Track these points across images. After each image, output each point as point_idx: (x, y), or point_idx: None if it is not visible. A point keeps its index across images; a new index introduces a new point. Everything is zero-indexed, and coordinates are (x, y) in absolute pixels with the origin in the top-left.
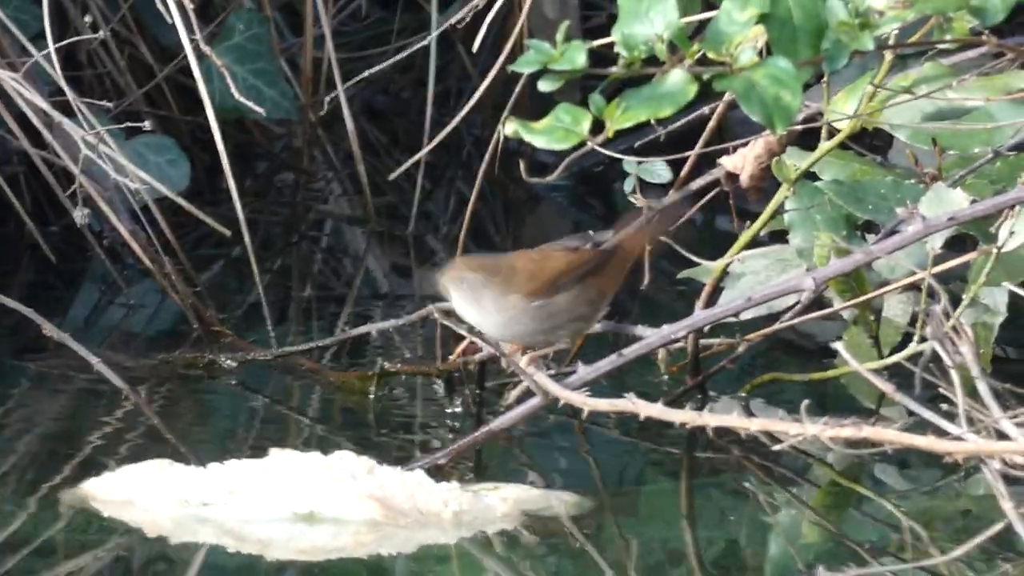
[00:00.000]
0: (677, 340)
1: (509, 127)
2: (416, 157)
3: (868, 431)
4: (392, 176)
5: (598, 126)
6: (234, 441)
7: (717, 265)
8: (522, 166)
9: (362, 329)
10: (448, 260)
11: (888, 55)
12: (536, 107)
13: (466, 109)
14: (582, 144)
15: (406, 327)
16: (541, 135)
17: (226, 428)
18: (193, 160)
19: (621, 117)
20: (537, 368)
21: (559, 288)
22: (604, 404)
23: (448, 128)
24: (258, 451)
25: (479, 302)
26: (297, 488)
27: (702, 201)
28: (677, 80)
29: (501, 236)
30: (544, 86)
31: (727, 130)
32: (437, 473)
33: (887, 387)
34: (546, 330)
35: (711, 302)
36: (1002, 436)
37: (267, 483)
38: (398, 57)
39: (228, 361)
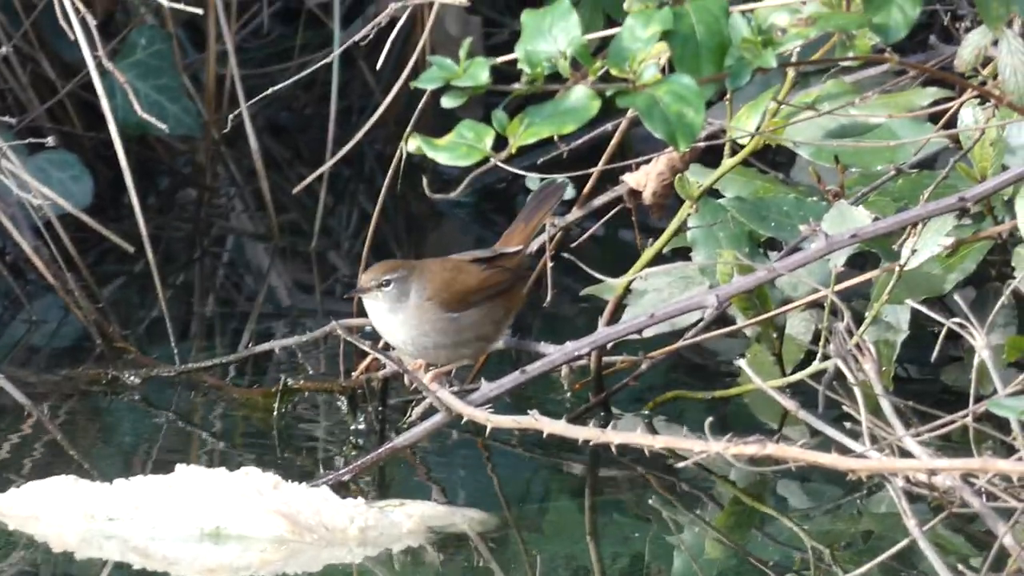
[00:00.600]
0: (580, 357)
1: (412, 143)
2: (318, 172)
3: (772, 448)
4: (295, 191)
5: (501, 142)
6: (139, 457)
7: (620, 282)
8: (425, 182)
9: (265, 346)
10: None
11: (791, 72)
12: (439, 124)
13: (368, 125)
14: (485, 160)
15: (309, 344)
16: (444, 151)
17: (130, 444)
18: (96, 176)
19: (524, 133)
20: (440, 385)
21: (470, 303)
22: (507, 421)
23: (350, 144)
24: (163, 467)
25: (401, 305)
26: (203, 504)
27: (605, 218)
28: (580, 96)
29: (403, 252)
30: (447, 102)
31: (630, 147)
32: (342, 489)
33: (790, 404)
34: (454, 344)
35: (614, 319)
36: (905, 454)
37: (173, 499)
38: (301, 75)
39: (131, 377)
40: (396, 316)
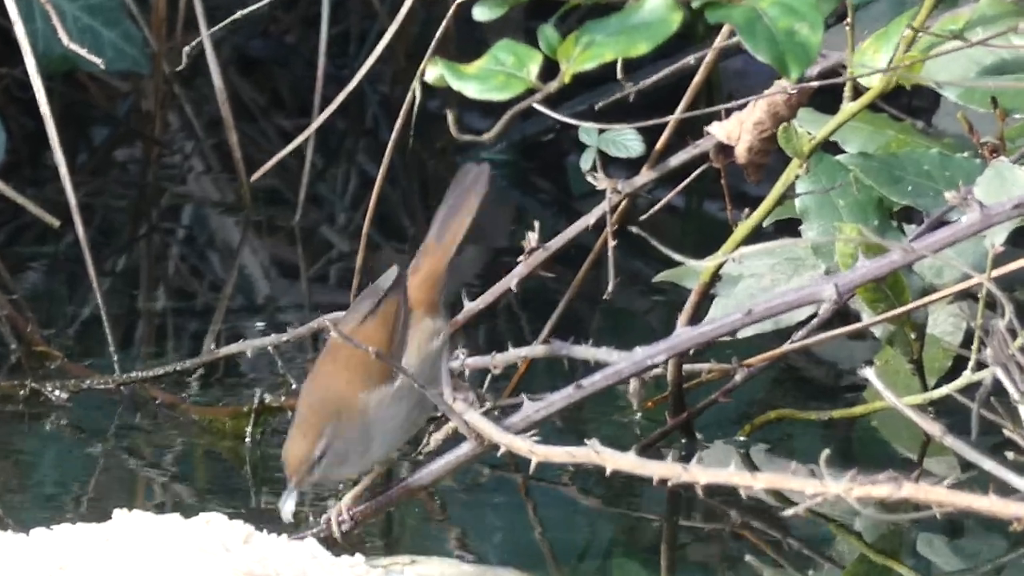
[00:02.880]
0: (654, 367)
1: (431, 71)
2: (311, 128)
3: (909, 489)
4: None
5: (550, 71)
6: (65, 500)
7: (706, 266)
8: (450, 121)
9: (234, 348)
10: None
11: None
12: (465, 53)
13: (371, 59)
14: (527, 95)
15: (292, 346)
16: (474, 81)
17: (54, 483)
18: (9, 127)
19: (581, 56)
20: (468, 404)
21: (398, 353)
22: (558, 453)
23: (349, 86)
24: (97, 514)
25: (354, 451)
26: (150, 564)
27: (684, 182)
28: (657, 6)
29: (417, 227)
30: (480, 14)
31: (718, 87)
32: (336, 544)
33: (934, 429)
34: (423, 400)
35: (698, 316)
36: None
37: (110, 556)
38: None
39: (56, 392)
40: (360, 455)
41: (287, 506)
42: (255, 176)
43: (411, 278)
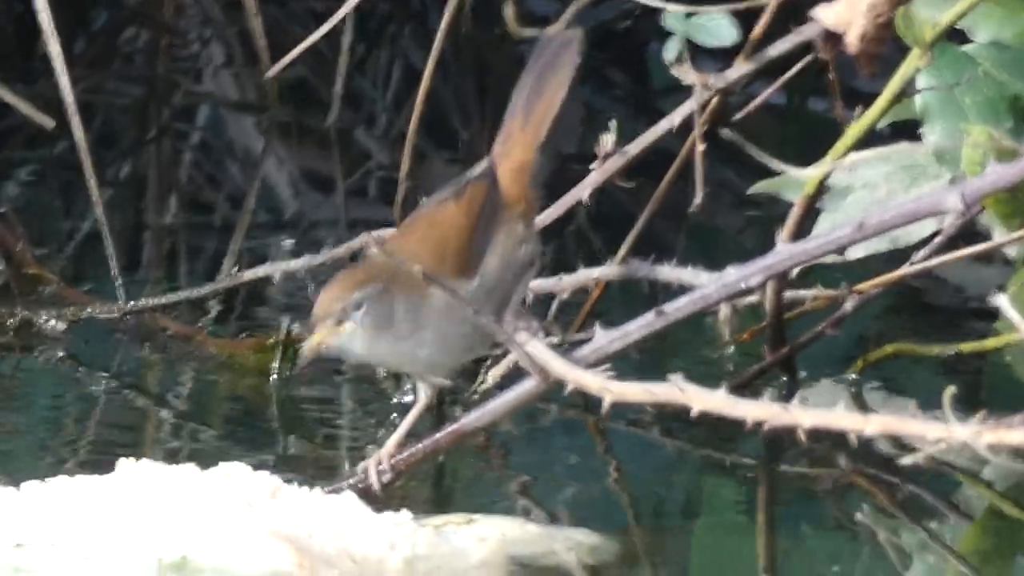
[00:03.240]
0: (749, 291)
1: None
2: (343, 11)
3: None
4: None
5: None
6: (62, 448)
7: (811, 174)
8: (508, 15)
9: (259, 271)
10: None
11: None
12: None
13: None
14: None
15: (326, 269)
16: None
17: (50, 427)
18: None
19: None
20: (531, 333)
21: (482, 249)
22: (636, 391)
23: None
24: (100, 464)
25: (394, 326)
26: (161, 522)
27: (786, 76)
28: None
29: (471, 132)
30: None
31: None
32: (378, 499)
33: None
34: (500, 298)
35: (801, 232)
36: None
37: (114, 514)
38: None
39: (52, 322)
40: (402, 342)
41: (305, 353)
42: (278, 67)
43: (498, 167)
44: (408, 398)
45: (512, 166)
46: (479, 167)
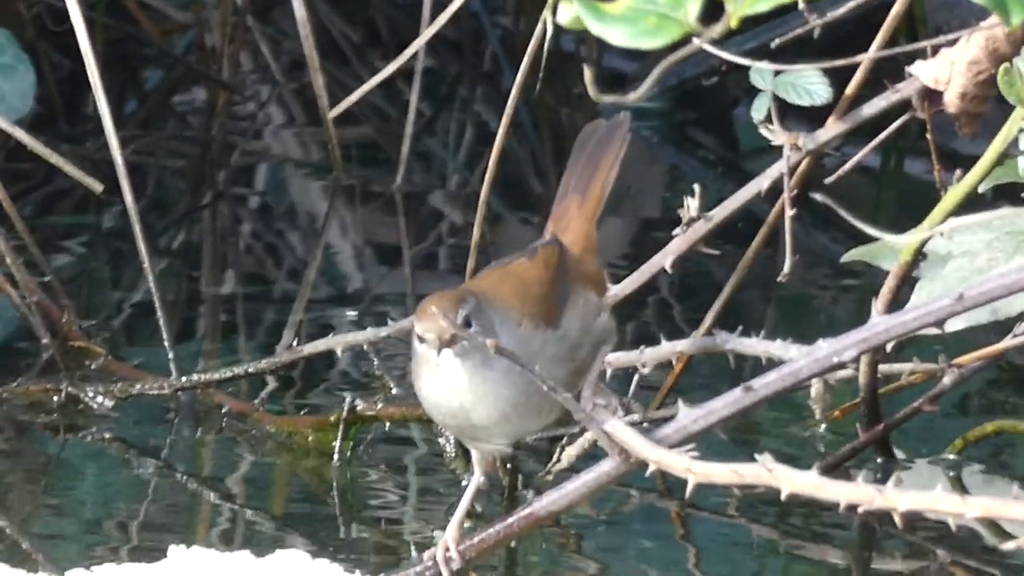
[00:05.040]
0: (842, 365)
1: (565, 10)
2: (406, 54)
3: None
4: (354, 94)
5: (712, 9)
6: (110, 534)
7: (908, 240)
8: (586, 78)
9: (320, 345)
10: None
11: None
12: None
13: None
14: (686, 41)
15: (390, 343)
16: (619, 24)
17: (97, 512)
18: (41, 67)
19: None
20: (611, 411)
21: (560, 306)
22: (723, 472)
23: (452, 8)
24: (149, 552)
25: (475, 353)
26: None
27: (881, 136)
28: None
29: (549, 192)
30: None
31: (923, 20)
32: None
33: None
34: (573, 372)
35: (897, 303)
36: None
37: None
38: None
39: (99, 398)
40: (477, 371)
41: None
42: (338, 109)
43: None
44: (477, 480)
45: (574, 239)
46: (541, 239)
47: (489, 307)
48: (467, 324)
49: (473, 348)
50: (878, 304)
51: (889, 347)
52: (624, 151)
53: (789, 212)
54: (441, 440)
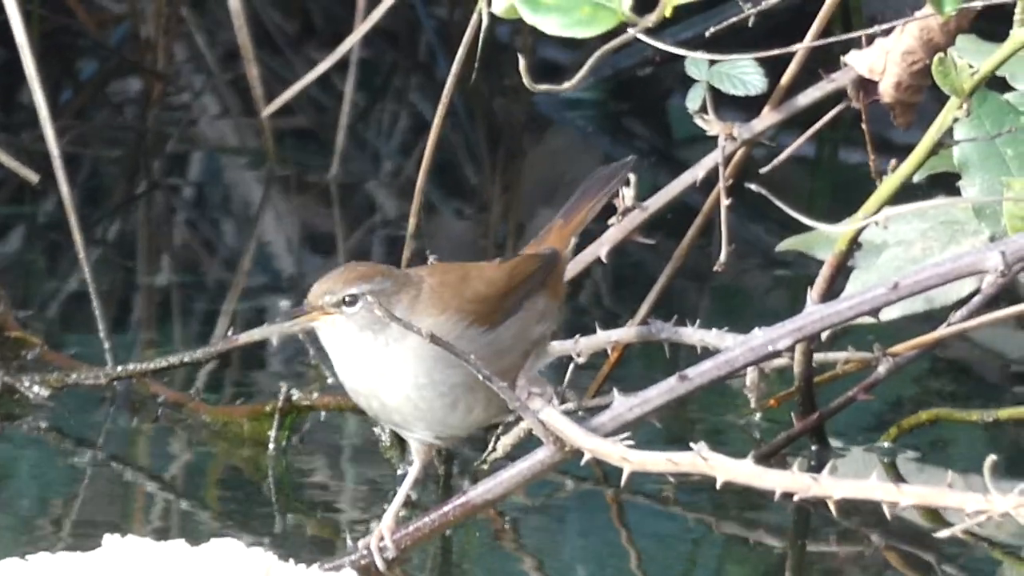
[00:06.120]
0: (777, 354)
1: (499, 1)
2: (342, 48)
3: None
4: (290, 89)
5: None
6: (44, 523)
7: (843, 230)
8: (521, 68)
9: (256, 334)
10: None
11: None
12: None
13: None
14: (621, 30)
15: None
16: (554, 13)
17: (32, 501)
18: None
19: None
20: (545, 400)
21: (505, 310)
22: (657, 460)
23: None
24: (84, 541)
25: (387, 331)
26: None
27: (816, 126)
28: None
29: (483, 181)
30: None
31: (857, 8)
32: None
33: None
34: (500, 371)
35: (832, 292)
36: None
37: None
38: None
39: (35, 388)
40: (381, 349)
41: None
42: (275, 104)
43: (531, 248)
44: (412, 469)
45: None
46: (540, 248)
47: (405, 294)
48: (351, 301)
49: (375, 325)
50: (813, 293)
51: (824, 336)
52: (614, 189)
53: (725, 202)
54: (376, 429)
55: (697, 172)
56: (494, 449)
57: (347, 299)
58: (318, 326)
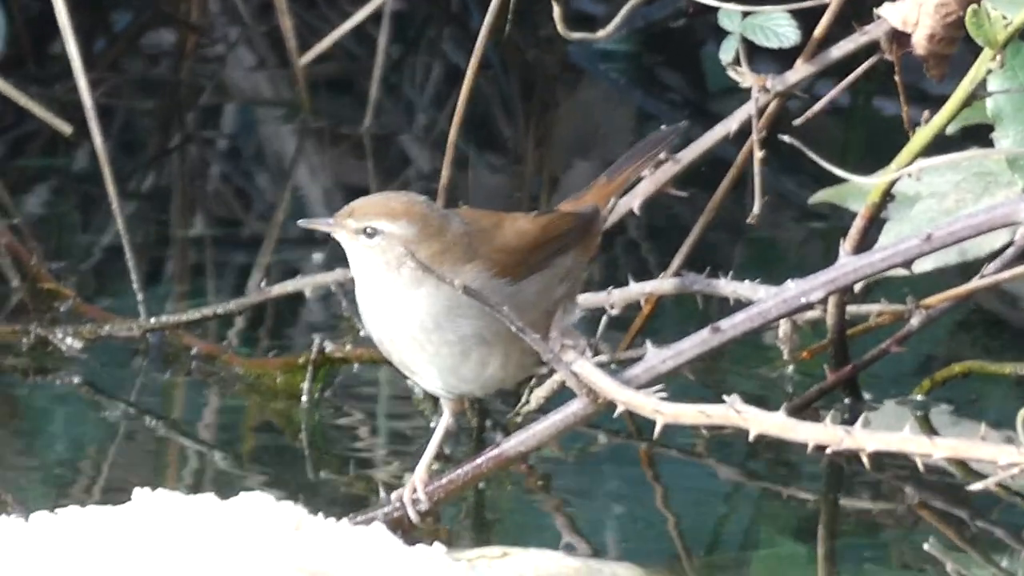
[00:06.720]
0: (810, 306)
1: None
2: (373, 3)
3: None
4: (325, 40)
5: None
6: (75, 477)
7: (876, 182)
8: (556, 15)
9: (289, 286)
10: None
11: None
12: None
13: None
14: None
15: None
16: None
17: (64, 455)
18: (10, 9)
19: None
20: (579, 352)
21: (531, 265)
22: (690, 413)
23: None
24: (115, 494)
25: (398, 268)
26: (176, 556)
27: (850, 78)
28: None
29: (517, 134)
30: None
31: None
32: (410, 530)
33: None
34: (509, 333)
35: (865, 244)
36: None
37: (128, 547)
38: None
39: (68, 340)
40: (393, 287)
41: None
42: (310, 55)
43: (571, 204)
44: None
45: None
46: (582, 205)
47: (427, 245)
48: (370, 232)
49: (392, 261)
50: (846, 245)
51: (857, 288)
52: (660, 153)
53: (757, 154)
54: (409, 382)
55: (730, 124)
56: (527, 401)
57: (368, 230)
58: (340, 238)
